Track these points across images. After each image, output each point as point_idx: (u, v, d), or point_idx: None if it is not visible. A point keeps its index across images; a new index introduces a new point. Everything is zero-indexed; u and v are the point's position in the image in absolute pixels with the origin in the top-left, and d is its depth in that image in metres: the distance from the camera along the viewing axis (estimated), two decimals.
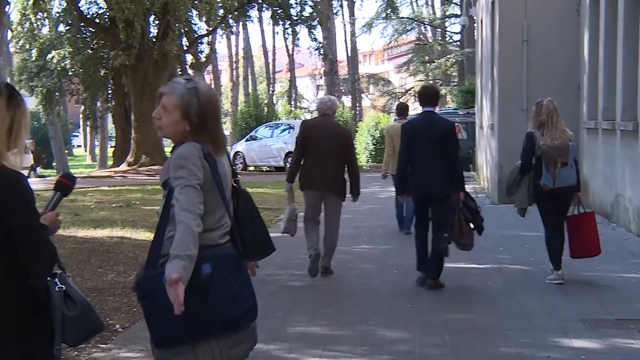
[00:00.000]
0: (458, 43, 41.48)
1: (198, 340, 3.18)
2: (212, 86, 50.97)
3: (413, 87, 45.38)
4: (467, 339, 6.12)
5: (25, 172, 3.10)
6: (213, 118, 3.33)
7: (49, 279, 2.98)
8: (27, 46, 32.06)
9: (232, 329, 3.22)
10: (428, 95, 8.16)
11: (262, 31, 55.24)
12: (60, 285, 2.98)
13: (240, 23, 41.96)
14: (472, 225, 7.90)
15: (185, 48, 31.61)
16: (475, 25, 27.01)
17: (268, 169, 29.99)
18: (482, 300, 7.52)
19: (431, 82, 42.00)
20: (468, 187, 9.18)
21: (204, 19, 31.02)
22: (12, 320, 2.87)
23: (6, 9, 26.10)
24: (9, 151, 2.95)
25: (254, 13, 35.73)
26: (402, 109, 12.20)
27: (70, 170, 39.03)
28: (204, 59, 34.51)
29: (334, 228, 8.66)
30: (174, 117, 3.28)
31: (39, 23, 29.28)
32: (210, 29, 32.52)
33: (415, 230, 8.51)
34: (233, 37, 53.52)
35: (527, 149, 7.88)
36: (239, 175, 3.60)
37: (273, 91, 55.42)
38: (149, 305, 3.21)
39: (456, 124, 24.16)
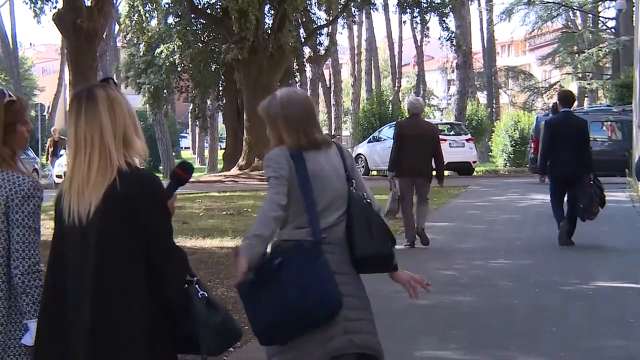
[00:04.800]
0: (613, 30, 40.32)
1: (285, 334, 3.60)
2: (332, 81, 51.57)
3: (559, 82, 44.40)
4: None
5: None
6: (296, 118, 3.83)
7: (187, 285, 3.14)
8: (135, 40, 33.11)
9: (310, 322, 3.58)
10: (565, 99, 11.58)
11: (388, 20, 54.96)
12: (202, 292, 3.15)
13: (364, 12, 42.18)
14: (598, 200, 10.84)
15: (303, 40, 31.97)
16: (634, 9, 26.13)
17: None
18: None
19: (579, 75, 41.01)
20: (623, 195, 9.58)
21: (324, 8, 31.31)
22: (141, 327, 3.01)
23: (114, 0, 27.14)
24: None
25: (378, 0, 35.85)
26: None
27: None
28: (323, 52, 34.84)
29: (424, 202, 11.72)
30: (269, 130, 3.91)
31: (147, 15, 30.20)
32: (331, 18, 32.78)
33: (552, 202, 11.37)
34: (355, 28, 53.80)
35: None
36: (354, 181, 3.90)
37: (399, 87, 55.42)
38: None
39: (610, 122, 23.69)
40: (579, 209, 10.94)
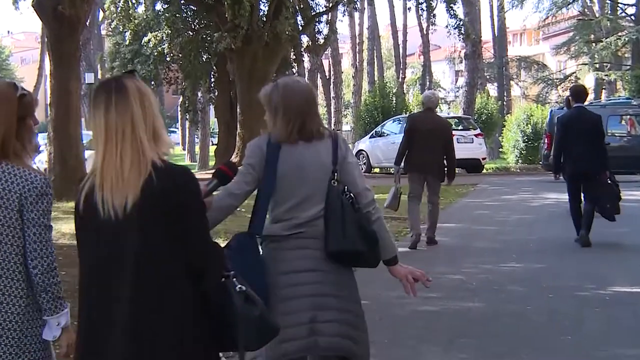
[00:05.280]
0: (632, 18, 40.30)
1: None
2: (332, 72, 51.54)
3: (575, 73, 44.36)
4: None
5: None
6: (295, 109, 3.97)
7: (223, 280, 3.25)
8: (121, 28, 33.07)
9: None
10: (578, 94, 11.90)
11: (392, 7, 54.97)
12: (240, 286, 3.23)
13: None
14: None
15: (300, 28, 31.93)
16: None
17: None
18: None
19: (597, 65, 40.99)
20: None
21: None
22: (179, 321, 3.11)
23: None
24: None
25: None
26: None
27: None
28: (322, 41, 34.79)
29: (435, 204, 12.00)
30: (268, 117, 4.05)
31: (134, 1, 30.16)
32: (330, 5, 32.75)
33: (569, 202, 11.72)
34: (357, 15, 53.72)
35: None
36: (336, 174, 4.00)
37: (403, 78, 55.37)
38: None
39: (629, 116, 23.71)
40: (606, 209, 11.33)
